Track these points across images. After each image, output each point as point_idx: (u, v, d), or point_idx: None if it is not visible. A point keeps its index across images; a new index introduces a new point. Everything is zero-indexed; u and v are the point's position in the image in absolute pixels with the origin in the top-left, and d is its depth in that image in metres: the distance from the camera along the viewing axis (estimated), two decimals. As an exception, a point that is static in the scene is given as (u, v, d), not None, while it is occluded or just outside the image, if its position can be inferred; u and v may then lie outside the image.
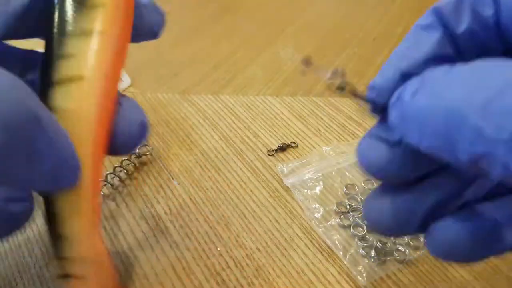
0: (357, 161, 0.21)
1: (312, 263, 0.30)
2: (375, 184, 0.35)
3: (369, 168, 0.21)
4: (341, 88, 0.22)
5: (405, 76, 0.20)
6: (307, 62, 0.22)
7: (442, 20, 0.21)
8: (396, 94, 0.20)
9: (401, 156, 0.20)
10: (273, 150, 0.38)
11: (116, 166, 0.35)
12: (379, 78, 0.22)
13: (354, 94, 0.22)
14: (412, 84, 0.18)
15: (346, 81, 0.22)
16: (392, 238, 0.31)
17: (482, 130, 0.14)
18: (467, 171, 0.17)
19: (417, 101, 0.17)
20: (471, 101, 0.15)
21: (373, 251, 0.30)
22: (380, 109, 0.22)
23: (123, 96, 0.24)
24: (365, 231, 0.31)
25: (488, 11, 0.20)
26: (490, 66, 0.15)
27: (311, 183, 0.35)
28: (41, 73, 0.21)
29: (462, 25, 0.20)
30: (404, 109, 0.18)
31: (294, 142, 0.39)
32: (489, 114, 0.14)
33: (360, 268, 0.29)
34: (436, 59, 0.20)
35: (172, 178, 0.35)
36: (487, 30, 0.20)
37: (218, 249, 0.30)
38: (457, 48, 0.21)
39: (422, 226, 0.20)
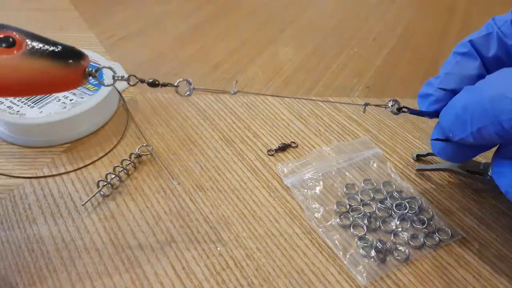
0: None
1: (312, 263, 0.30)
2: (375, 184, 0.35)
3: (439, 155, 0.30)
4: (400, 110, 0.30)
5: (453, 91, 0.28)
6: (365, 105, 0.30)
7: (476, 48, 0.29)
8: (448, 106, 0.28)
9: (453, 148, 0.28)
10: (273, 150, 0.38)
11: (116, 166, 0.35)
12: (427, 90, 0.30)
13: (413, 112, 0.30)
14: (462, 96, 0.27)
15: (403, 106, 0.30)
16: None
17: None
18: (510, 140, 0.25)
19: (468, 98, 0.26)
20: (507, 87, 0.23)
21: (373, 251, 0.30)
22: (434, 115, 0.29)
23: None
24: (365, 231, 0.31)
25: (510, 41, 0.29)
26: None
27: (311, 183, 0.35)
28: None
29: (491, 52, 0.29)
30: (457, 109, 0.27)
31: (294, 142, 0.39)
32: None
33: (360, 268, 0.29)
34: (474, 78, 0.28)
35: (172, 178, 0.35)
36: (509, 56, 0.29)
37: (218, 249, 0.30)
38: (487, 70, 0.29)
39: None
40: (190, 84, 0.27)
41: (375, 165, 0.37)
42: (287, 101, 0.44)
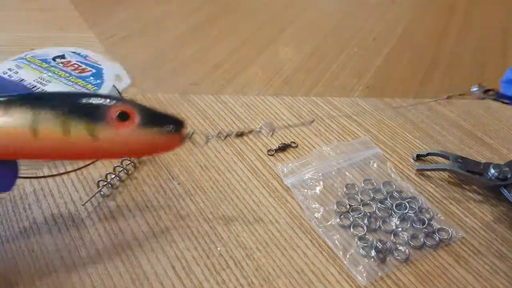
0: None
1: (312, 263, 0.30)
2: (375, 184, 0.35)
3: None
4: (487, 92, 0.29)
5: None
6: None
7: None
8: None
9: None
10: (273, 150, 0.38)
11: (116, 166, 0.35)
12: None
13: (503, 96, 0.29)
14: None
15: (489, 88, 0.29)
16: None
17: None
18: None
19: None
20: None
21: (373, 251, 0.30)
22: None
23: None
24: (365, 231, 0.31)
25: None
26: None
27: (311, 183, 0.35)
28: None
29: None
30: None
31: (294, 142, 0.39)
32: None
33: (360, 268, 0.29)
34: None
35: (172, 178, 0.35)
36: None
37: (218, 249, 0.30)
38: None
39: None
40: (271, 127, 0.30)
41: (375, 165, 0.37)
42: (287, 101, 0.44)
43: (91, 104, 0.24)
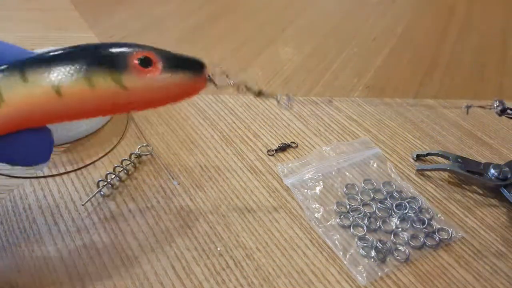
0: None
1: (312, 263, 0.30)
2: (375, 184, 0.35)
3: None
4: (504, 111, 0.27)
5: None
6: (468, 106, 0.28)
7: None
8: None
9: None
10: (273, 150, 0.38)
11: (116, 166, 0.35)
12: None
13: None
14: None
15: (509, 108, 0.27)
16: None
17: None
18: None
19: None
20: None
21: (373, 251, 0.30)
22: None
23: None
24: (365, 231, 0.31)
25: None
26: None
27: (311, 183, 0.35)
28: None
29: None
30: None
31: (294, 142, 0.39)
32: None
33: (360, 268, 0.29)
34: None
35: (172, 178, 0.35)
36: None
37: (218, 249, 0.30)
38: None
39: None
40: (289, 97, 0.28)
41: (375, 165, 0.37)
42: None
43: (111, 53, 0.23)
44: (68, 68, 0.22)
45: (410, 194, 0.34)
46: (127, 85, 0.23)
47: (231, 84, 0.28)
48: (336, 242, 0.31)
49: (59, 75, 0.22)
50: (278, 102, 0.27)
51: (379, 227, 0.32)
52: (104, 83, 0.23)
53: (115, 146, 0.38)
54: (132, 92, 0.23)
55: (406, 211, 0.33)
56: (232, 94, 0.45)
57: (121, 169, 0.35)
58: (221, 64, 0.45)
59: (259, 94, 0.28)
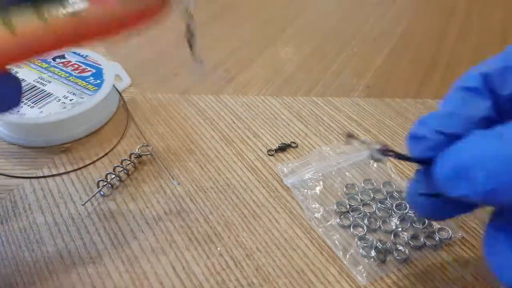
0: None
1: (312, 263, 0.30)
2: (375, 184, 0.35)
3: (420, 214, 0.26)
4: (386, 152, 0.23)
5: (454, 136, 0.22)
6: (349, 136, 0.24)
7: (488, 84, 0.23)
8: (450, 154, 0.21)
9: (441, 205, 0.23)
10: (273, 150, 0.38)
11: (116, 166, 0.35)
12: (421, 131, 0.23)
13: (402, 158, 0.24)
14: (475, 143, 0.20)
15: (387, 147, 0.23)
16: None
17: None
18: None
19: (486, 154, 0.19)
20: None
21: (373, 251, 0.30)
22: (422, 161, 0.23)
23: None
24: (365, 231, 0.31)
25: None
26: None
27: (311, 183, 0.35)
28: None
29: (507, 90, 0.22)
30: (465, 163, 0.20)
31: (294, 142, 0.39)
32: None
33: (360, 268, 0.29)
34: (482, 122, 0.22)
35: (172, 178, 0.35)
36: None
37: (218, 249, 0.30)
38: (499, 111, 0.23)
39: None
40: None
41: (375, 165, 0.37)
42: (287, 101, 0.44)
43: None
44: (18, 4, 0.22)
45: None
46: (78, 13, 0.23)
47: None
48: (336, 242, 0.31)
49: (9, 11, 0.22)
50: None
51: (379, 227, 0.32)
52: (55, 13, 0.22)
53: (115, 146, 0.38)
54: (86, 17, 0.23)
55: (406, 211, 0.33)
56: (232, 94, 0.45)
57: (121, 169, 0.35)
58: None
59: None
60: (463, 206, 0.23)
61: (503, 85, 0.22)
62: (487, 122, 0.22)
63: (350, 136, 0.23)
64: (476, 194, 0.19)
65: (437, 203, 0.23)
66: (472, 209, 0.24)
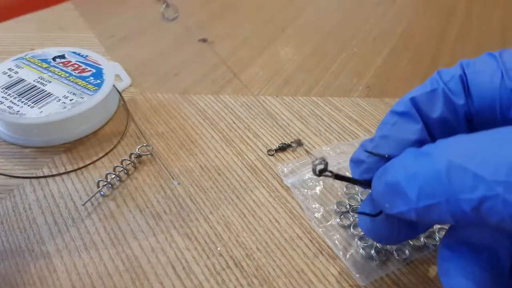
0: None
1: (312, 263, 0.30)
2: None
3: (367, 234, 0.26)
4: (322, 172, 0.23)
5: (387, 158, 0.23)
6: (299, 142, 0.24)
7: (418, 108, 0.24)
8: (380, 174, 0.22)
9: (386, 225, 0.24)
10: (273, 150, 0.38)
11: (116, 166, 0.35)
12: (360, 155, 0.25)
13: (340, 179, 0.24)
14: (405, 160, 0.21)
15: (329, 170, 0.23)
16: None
17: (482, 176, 0.17)
18: (467, 223, 0.19)
19: (417, 169, 0.20)
20: (469, 156, 0.18)
21: (373, 251, 0.30)
22: (362, 183, 0.25)
23: None
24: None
25: (459, 100, 0.24)
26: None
27: (311, 183, 0.35)
28: None
29: (436, 113, 0.24)
30: (396, 181, 0.21)
31: (294, 142, 0.39)
32: (486, 165, 0.17)
33: (360, 268, 0.29)
34: (415, 144, 0.24)
35: (172, 178, 0.35)
36: (457, 117, 0.24)
37: (218, 249, 0.30)
38: (430, 132, 0.24)
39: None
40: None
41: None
42: (287, 101, 0.44)
43: None
44: None
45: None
46: None
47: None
48: (336, 242, 0.31)
49: None
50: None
51: (379, 227, 0.32)
52: None
53: (115, 146, 0.38)
54: None
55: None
56: (232, 94, 0.45)
57: (121, 169, 0.35)
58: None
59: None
60: (410, 226, 0.24)
61: (431, 108, 0.24)
62: (420, 144, 0.22)
63: (299, 144, 0.24)
64: (410, 211, 0.20)
65: (381, 224, 0.24)
66: (421, 229, 0.25)
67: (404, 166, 0.20)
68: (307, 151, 0.24)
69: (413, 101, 0.24)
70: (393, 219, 0.24)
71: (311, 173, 0.35)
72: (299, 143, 0.25)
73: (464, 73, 0.24)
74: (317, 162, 0.23)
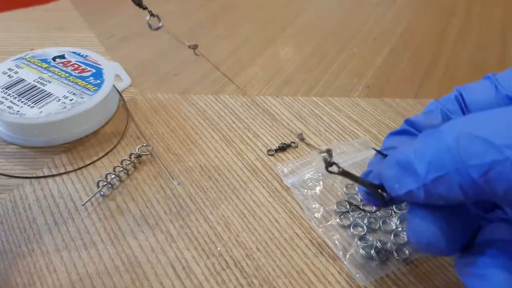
0: None
1: (312, 263, 0.30)
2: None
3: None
4: (330, 165, 0.23)
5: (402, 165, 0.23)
6: (300, 137, 0.25)
7: (417, 128, 0.26)
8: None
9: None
10: (273, 150, 0.38)
11: (116, 166, 0.35)
12: (369, 167, 0.26)
13: (345, 175, 0.23)
14: (419, 141, 0.21)
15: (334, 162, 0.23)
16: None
17: (492, 141, 0.17)
18: (474, 195, 0.19)
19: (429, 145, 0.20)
20: (479, 127, 0.18)
21: (373, 251, 0.30)
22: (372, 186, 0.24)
23: None
24: (365, 231, 0.31)
25: (457, 116, 0.25)
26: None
27: (311, 183, 0.35)
28: None
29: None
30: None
31: (294, 142, 0.39)
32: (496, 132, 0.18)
33: (360, 268, 0.29)
34: None
35: (172, 178, 0.35)
36: None
37: (218, 249, 0.30)
38: None
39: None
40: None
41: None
42: (287, 101, 0.44)
43: None
44: None
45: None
46: None
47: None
48: (336, 242, 0.31)
49: None
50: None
51: (379, 227, 0.32)
52: None
53: (115, 146, 0.38)
54: None
55: (406, 210, 0.33)
56: (232, 94, 0.45)
57: (121, 169, 0.35)
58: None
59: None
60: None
61: (429, 126, 0.25)
62: None
63: (301, 139, 0.24)
64: (419, 189, 0.20)
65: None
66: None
67: (415, 145, 0.21)
68: (311, 145, 0.24)
69: (408, 122, 0.26)
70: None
71: (312, 172, 0.35)
72: (301, 137, 0.24)
73: (460, 93, 0.25)
74: (324, 153, 0.22)
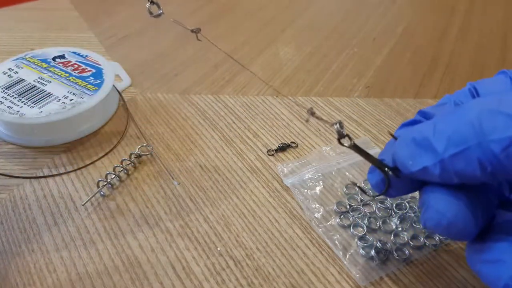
0: None
1: (312, 263, 0.30)
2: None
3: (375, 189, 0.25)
4: (343, 137, 0.23)
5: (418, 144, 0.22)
6: (311, 111, 0.25)
7: (426, 117, 0.25)
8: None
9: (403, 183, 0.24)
10: (273, 150, 0.38)
11: (116, 166, 0.35)
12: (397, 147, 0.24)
13: (357, 150, 0.24)
14: (439, 118, 0.21)
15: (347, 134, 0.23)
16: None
17: None
18: (493, 170, 0.18)
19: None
20: (501, 103, 0.18)
21: (373, 251, 0.30)
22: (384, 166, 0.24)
23: None
24: (365, 231, 0.31)
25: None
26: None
27: (311, 183, 0.35)
28: None
29: None
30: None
31: (294, 142, 0.39)
32: None
33: (360, 268, 0.29)
34: None
35: (172, 178, 0.35)
36: None
37: (218, 249, 0.30)
38: None
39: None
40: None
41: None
42: (287, 101, 0.44)
43: None
44: None
45: (410, 193, 0.34)
46: None
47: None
48: (336, 242, 0.31)
49: None
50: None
51: (379, 227, 0.32)
52: None
53: (115, 146, 0.38)
54: None
55: (406, 210, 0.33)
56: (232, 94, 0.45)
57: (121, 169, 0.35)
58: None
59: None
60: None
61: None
62: None
63: (312, 113, 0.24)
64: (435, 165, 0.20)
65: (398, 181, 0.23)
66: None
67: (433, 123, 0.20)
68: (322, 119, 0.24)
69: (422, 113, 0.25)
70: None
71: (312, 172, 0.35)
72: (312, 111, 0.24)
73: (473, 87, 0.25)
74: (337, 125, 0.22)
